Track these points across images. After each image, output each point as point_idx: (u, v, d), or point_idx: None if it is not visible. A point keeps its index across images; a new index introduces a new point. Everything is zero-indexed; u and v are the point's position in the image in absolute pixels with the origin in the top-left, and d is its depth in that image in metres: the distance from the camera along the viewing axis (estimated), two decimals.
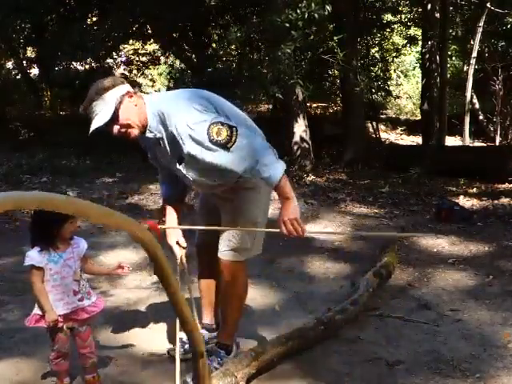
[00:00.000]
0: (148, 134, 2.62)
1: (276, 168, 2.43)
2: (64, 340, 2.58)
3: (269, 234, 2.90)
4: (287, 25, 6.96)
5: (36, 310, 2.54)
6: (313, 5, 6.70)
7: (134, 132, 2.57)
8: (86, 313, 2.58)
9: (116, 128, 2.54)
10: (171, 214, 2.87)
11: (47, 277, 2.49)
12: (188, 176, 2.68)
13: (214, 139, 2.45)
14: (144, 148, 2.84)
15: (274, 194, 2.57)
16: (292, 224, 2.41)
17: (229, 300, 2.92)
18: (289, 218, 2.41)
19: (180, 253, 2.84)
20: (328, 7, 6.87)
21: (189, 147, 2.53)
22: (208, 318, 3.17)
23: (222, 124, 2.45)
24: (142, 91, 13.52)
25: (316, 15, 6.80)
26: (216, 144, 2.46)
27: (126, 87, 2.58)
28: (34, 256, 2.48)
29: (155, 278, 4.20)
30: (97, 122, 2.48)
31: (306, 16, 6.77)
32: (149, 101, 2.62)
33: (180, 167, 2.68)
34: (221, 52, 11.95)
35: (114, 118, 2.50)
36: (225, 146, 2.45)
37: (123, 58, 13.03)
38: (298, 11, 6.80)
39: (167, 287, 1.38)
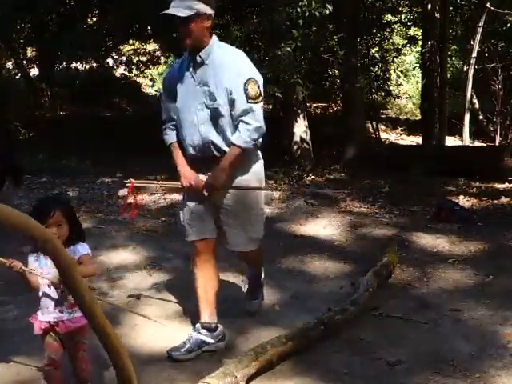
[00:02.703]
0: (197, 57, 2.93)
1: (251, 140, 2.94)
2: (53, 346, 2.48)
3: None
4: (288, 23, 6.94)
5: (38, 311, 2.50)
6: (313, 3, 6.68)
7: (188, 42, 2.91)
8: (64, 326, 2.43)
9: (180, 27, 2.90)
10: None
11: (41, 281, 2.44)
12: (200, 127, 2.95)
13: (247, 89, 2.91)
14: (163, 88, 3.23)
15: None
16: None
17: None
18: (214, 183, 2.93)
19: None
20: (329, 6, 6.86)
21: (228, 83, 2.89)
22: (206, 316, 3.15)
23: (258, 87, 2.95)
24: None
25: (317, 13, 6.77)
26: (247, 94, 2.91)
27: (212, 14, 2.92)
28: (29, 259, 2.48)
29: (155, 279, 4.20)
30: (175, 10, 2.83)
31: (307, 14, 6.74)
32: (217, 40, 3.00)
33: (201, 113, 2.94)
34: None
35: (186, 21, 2.83)
36: (251, 98, 2.92)
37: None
38: (299, 9, 6.78)
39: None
